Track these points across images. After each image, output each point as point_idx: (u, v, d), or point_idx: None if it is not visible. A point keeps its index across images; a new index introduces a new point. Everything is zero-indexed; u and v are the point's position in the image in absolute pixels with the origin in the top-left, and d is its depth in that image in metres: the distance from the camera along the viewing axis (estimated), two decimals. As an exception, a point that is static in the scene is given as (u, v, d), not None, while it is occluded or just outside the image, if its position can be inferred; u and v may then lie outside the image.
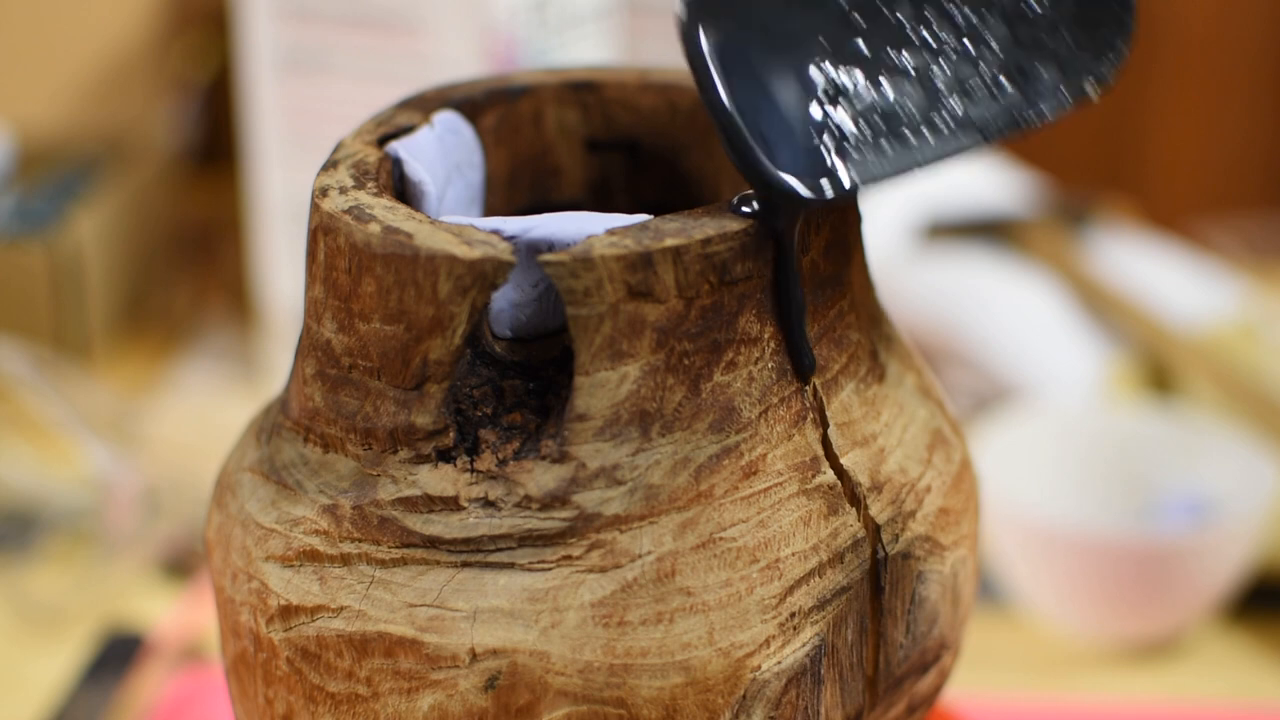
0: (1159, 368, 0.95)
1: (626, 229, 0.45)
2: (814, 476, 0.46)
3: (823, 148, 0.45)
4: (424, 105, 0.52)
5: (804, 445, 0.47)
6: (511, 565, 0.45)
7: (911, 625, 0.48)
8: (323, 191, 0.47)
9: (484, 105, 0.54)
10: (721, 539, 0.45)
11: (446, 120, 0.52)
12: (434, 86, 0.54)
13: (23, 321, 0.98)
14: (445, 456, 0.46)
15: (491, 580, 0.45)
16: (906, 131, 0.46)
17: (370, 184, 0.48)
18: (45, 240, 0.97)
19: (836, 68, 0.46)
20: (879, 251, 0.91)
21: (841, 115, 0.46)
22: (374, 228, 0.45)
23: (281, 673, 0.47)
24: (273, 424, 0.49)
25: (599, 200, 0.56)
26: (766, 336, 0.46)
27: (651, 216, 0.46)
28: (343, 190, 0.47)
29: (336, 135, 0.90)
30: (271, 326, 0.96)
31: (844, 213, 0.48)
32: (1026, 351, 0.92)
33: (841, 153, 0.45)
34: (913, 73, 0.46)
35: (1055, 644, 0.77)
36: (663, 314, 0.45)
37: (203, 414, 0.90)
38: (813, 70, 0.45)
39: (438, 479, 0.45)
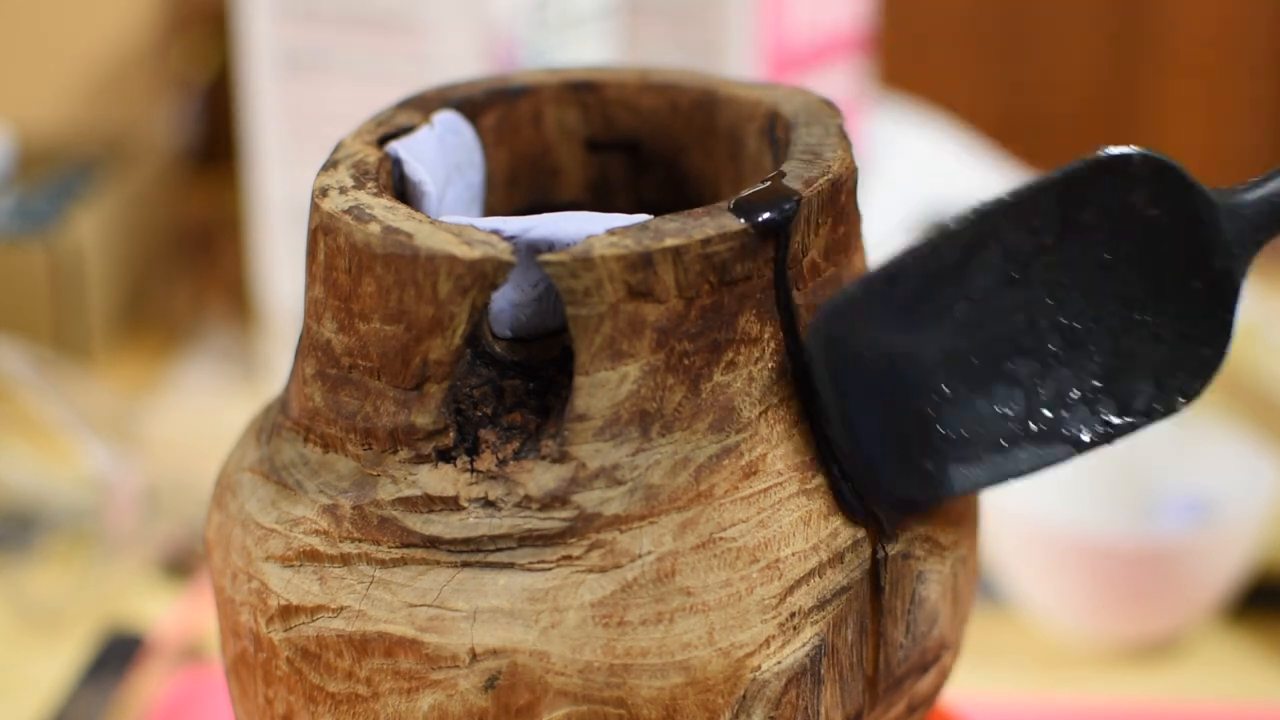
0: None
1: (626, 229, 0.45)
2: (814, 476, 0.46)
3: (926, 462, 0.47)
4: (424, 105, 0.53)
5: (804, 445, 0.47)
6: (511, 565, 0.45)
7: (911, 625, 0.48)
8: (323, 191, 0.47)
9: (484, 105, 0.54)
10: (721, 539, 0.45)
11: (446, 120, 0.52)
12: (434, 86, 0.54)
13: (23, 321, 0.98)
14: (445, 456, 0.46)
15: (491, 580, 0.45)
16: (1004, 443, 0.47)
17: (370, 184, 0.48)
18: (45, 240, 0.97)
19: (947, 380, 0.47)
20: (879, 251, 0.91)
21: (945, 427, 0.47)
22: (374, 228, 0.45)
23: (281, 673, 0.47)
24: (273, 424, 0.49)
25: (599, 200, 0.56)
26: (766, 336, 0.46)
27: (651, 216, 0.46)
28: (343, 190, 0.47)
29: (336, 135, 0.90)
30: (271, 326, 0.96)
31: (843, 212, 0.48)
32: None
33: (941, 466, 0.47)
34: (1018, 385, 0.47)
35: (1055, 644, 0.77)
36: (663, 314, 0.45)
37: (203, 414, 0.90)
38: (924, 381, 0.47)
39: (438, 479, 0.45)
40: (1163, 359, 0.48)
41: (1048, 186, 0.46)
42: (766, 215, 0.46)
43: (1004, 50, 1.44)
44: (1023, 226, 0.47)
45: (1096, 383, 0.48)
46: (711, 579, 0.45)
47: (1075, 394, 0.48)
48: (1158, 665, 0.76)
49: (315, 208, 0.47)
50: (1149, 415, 0.48)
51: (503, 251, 0.45)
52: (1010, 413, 0.47)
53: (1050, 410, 0.47)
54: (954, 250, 0.46)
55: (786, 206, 0.46)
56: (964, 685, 0.69)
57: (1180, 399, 0.48)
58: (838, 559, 0.46)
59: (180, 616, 0.78)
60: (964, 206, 0.46)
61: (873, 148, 1.05)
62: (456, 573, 0.45)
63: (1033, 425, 0.47)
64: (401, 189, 0.50)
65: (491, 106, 0.54)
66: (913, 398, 0.47)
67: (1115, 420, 0.48)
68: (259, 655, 0.47)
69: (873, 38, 1.06)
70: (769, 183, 0.47)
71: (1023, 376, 0.47)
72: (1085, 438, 0.48)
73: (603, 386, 0.45)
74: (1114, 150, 0.47)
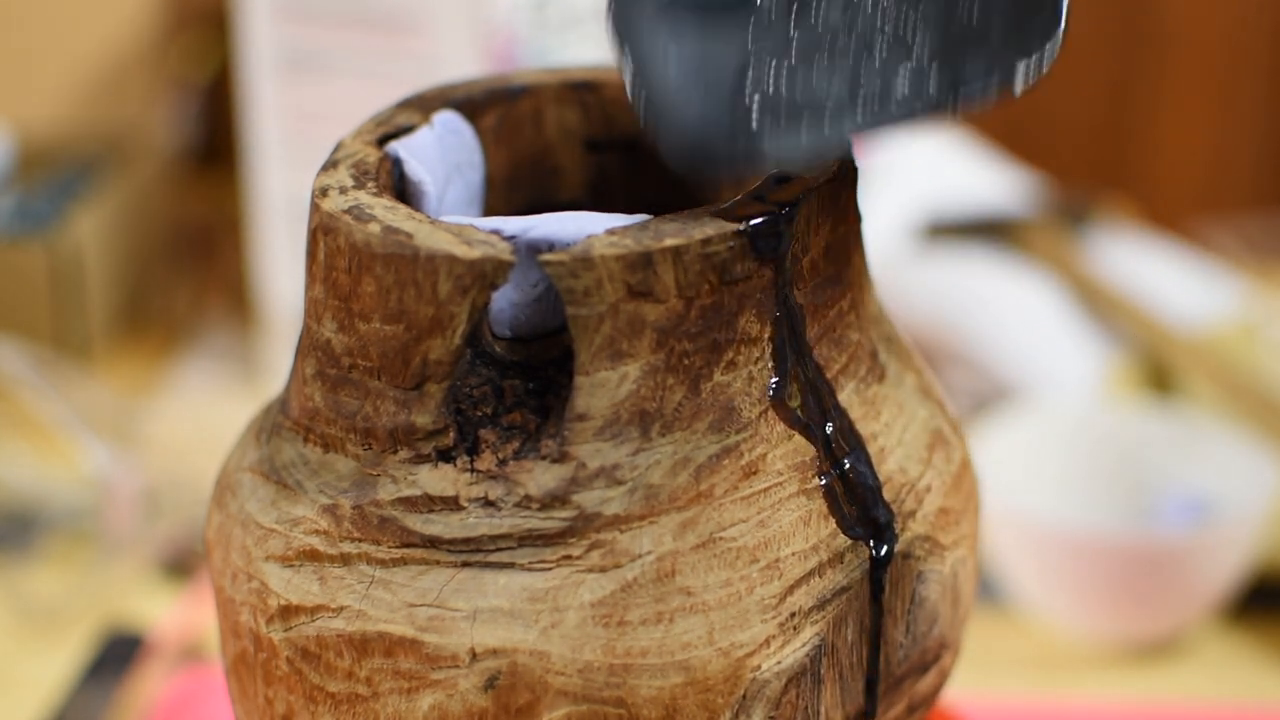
0: (1159, 368, 0.95)
1: (626, 229, 0.45)
2: (814, 476, 0.46)
3: (746, 121, 0.45)
4: (424, 105, 0.52)
5: (803, 445, 0.47)
6: (511, 565, 0.45)
7: (911, 625, 0.48)
8: (323, 191, 0.47)
9: (484, 105, 0.54)
10: (721, 539, 0.45)
11: (446, 120, 0.52)
12: (434, 86, 0.54)
13: (23, 321, 0.98)
14: (445, 456, 0.46)
15: (491, 580, 0.45)
16: (827, 112, 0.46)
17: (370, 184, 0.48)
18: (45, 240, 0.97)
19: (767, 50, 0.45)
20: (879, 251, 0.91)
21: (765, 94, 0.45)
22: (374, 227, 0.45)
23: (281, 673, 0.47)
24: (273, 424, 0.49)
25: (599, 200, 0.56)
26: (766, 336, 0.46)
27: (651, 216, 0.46)
28: (343, 190, 0.47)
29: (336, 135, 0.90)
30: (271, 326, 0.96)
31: (844, 212, 0.48)
32: (1026, 351, 0.92)
33: (767, 128, 0.45)
34: (842, 55, 0.46)
35: (1055, 644, 0.77)
36: (663, 314, 0.45)
37: (203, 414, 0.91)
38: (743, 51, 0.45)
39: (438, 479, 0.45)
40: (996, 34, 0.46)
41: None
42: (766, 215, 0.46)
43: (1004, 50, 1.43)
44: None
45: (926, 56, 0.46)
46: (711, 579, 0.45)
47: (904, 71, 0.46)
48: (1158, 665, 0.76)
49: (315, 208, 0.47)
50: (985, 88, 0.46)
51: (503, 251, 0.45)
52: (833, 87, 0.46)
53: (881, 77, 0.46)
54: None
55: (786, 207, 0.46)
56: (964, 685, 0.69)
57: (1019, 75, 0.46)
58: (837, 559, 0.46)
59: (180, 616, 0.78)
60: None
61: (874, 148, 1.05)
62: (456, 572, 0.45)
63: (863, 92, 0.46)
64: (401, 189, 0.50)
65: (491, 106, 0.54)
66: (730, 61, 0.45)
67: (944, 95, 0.46)
68: (259, 655, 0.47)
69: (873, 38, 1.06)
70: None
71: (849, 50, 0.46)
72: (920, 104, 0.46)
73: (603, 386, 0.45)
74: None
